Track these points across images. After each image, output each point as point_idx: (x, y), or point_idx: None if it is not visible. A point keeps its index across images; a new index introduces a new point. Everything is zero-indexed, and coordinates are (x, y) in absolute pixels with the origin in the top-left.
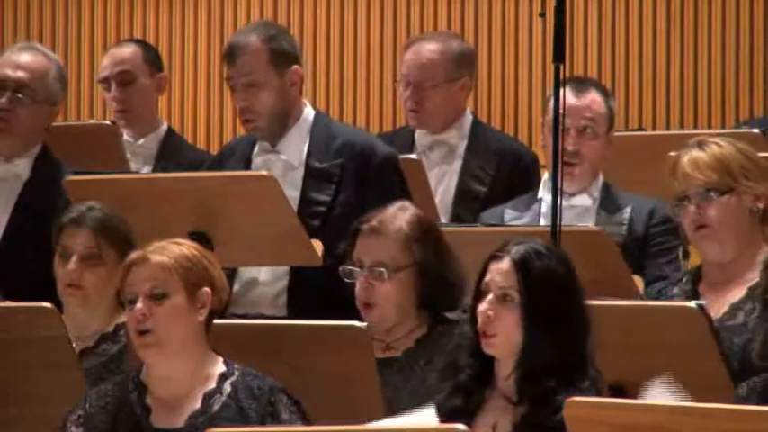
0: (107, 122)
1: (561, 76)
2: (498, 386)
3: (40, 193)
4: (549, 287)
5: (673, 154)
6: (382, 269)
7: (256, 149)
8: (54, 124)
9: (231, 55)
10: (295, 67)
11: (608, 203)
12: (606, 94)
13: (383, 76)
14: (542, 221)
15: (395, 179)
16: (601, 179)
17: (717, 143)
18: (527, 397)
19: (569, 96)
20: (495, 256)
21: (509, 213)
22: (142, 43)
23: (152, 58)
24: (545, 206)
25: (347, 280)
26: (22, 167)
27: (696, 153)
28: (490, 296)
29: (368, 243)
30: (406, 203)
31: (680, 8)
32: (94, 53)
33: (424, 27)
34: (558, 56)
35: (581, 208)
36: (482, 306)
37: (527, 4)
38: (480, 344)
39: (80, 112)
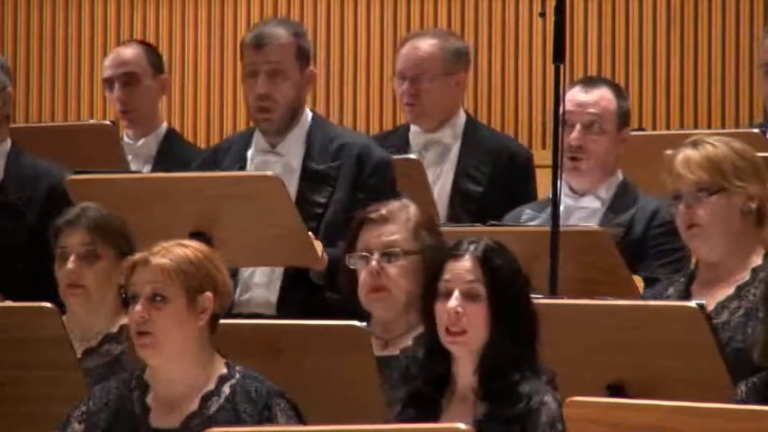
0: (107, 122)
1: (561, 76)
2: (459, 384)
3: (17, 190)
4: (511, 282)
5: (669, 152)
6: (396, 249)
7: (252, 149)
8: (54, 124)
9: (259, 43)
10: (311, 68)
11: (618, 205)
12: (620, 93)
13: (383, 76)
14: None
15: (387, 183)
16: (618, 179)
17: (711, 143)
18: (493, 391)
19: (578, 92)
20: (453, 255)
21: (527, 213)
22: (144, 44)
23: (155, 59)
24: (562, 207)
25: (353, 267)
26: None
27: (689, 152)
28: (456, 293)
29: (378, 229)
30: (405, 200)
31: (680, 8)
32: (94, 53)
33: (424, 27)
34: (558, 56)
35: (589, 210)
36: (450, 303)
37: (527, 4)
38: (440, 343)
39: (80, 112)
